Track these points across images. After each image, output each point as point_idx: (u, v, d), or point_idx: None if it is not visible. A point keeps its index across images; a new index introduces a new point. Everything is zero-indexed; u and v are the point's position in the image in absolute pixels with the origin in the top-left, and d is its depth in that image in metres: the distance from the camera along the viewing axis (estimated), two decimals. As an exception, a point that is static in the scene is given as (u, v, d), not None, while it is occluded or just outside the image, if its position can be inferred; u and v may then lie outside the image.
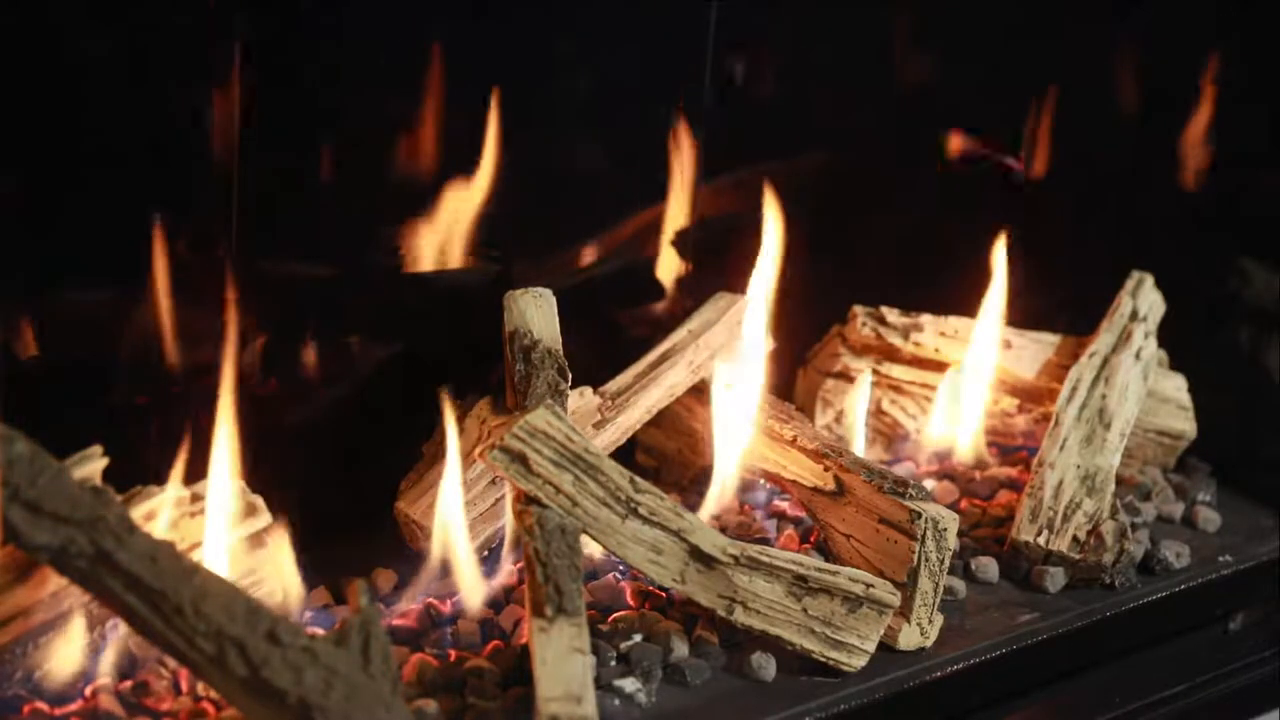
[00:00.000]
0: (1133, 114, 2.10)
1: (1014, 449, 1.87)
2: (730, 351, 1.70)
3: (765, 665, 1.48)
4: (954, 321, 1.84)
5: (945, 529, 1.52)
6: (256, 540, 1.45)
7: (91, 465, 1.34)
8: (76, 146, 1.44)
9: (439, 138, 1.63)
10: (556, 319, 1.60)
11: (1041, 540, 1.66)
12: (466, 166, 1.65)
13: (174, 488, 1.41)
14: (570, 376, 1.57)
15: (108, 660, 1.39)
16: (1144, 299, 1.86)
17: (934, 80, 1.97)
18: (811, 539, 1.65)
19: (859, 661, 1.49)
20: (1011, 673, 1.59)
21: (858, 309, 1.84)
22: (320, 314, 1.64)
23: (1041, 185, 2.01)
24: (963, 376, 1.82)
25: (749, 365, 1.66)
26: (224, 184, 1.51)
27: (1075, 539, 1.66)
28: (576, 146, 1.76)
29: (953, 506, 1.70)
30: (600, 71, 1.74)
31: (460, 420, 1.60)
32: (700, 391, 1.72)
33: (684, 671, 1.47)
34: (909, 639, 1.53)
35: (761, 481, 1.71)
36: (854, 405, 1.76)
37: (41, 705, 1.34)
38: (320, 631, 1.30)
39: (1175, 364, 1.89)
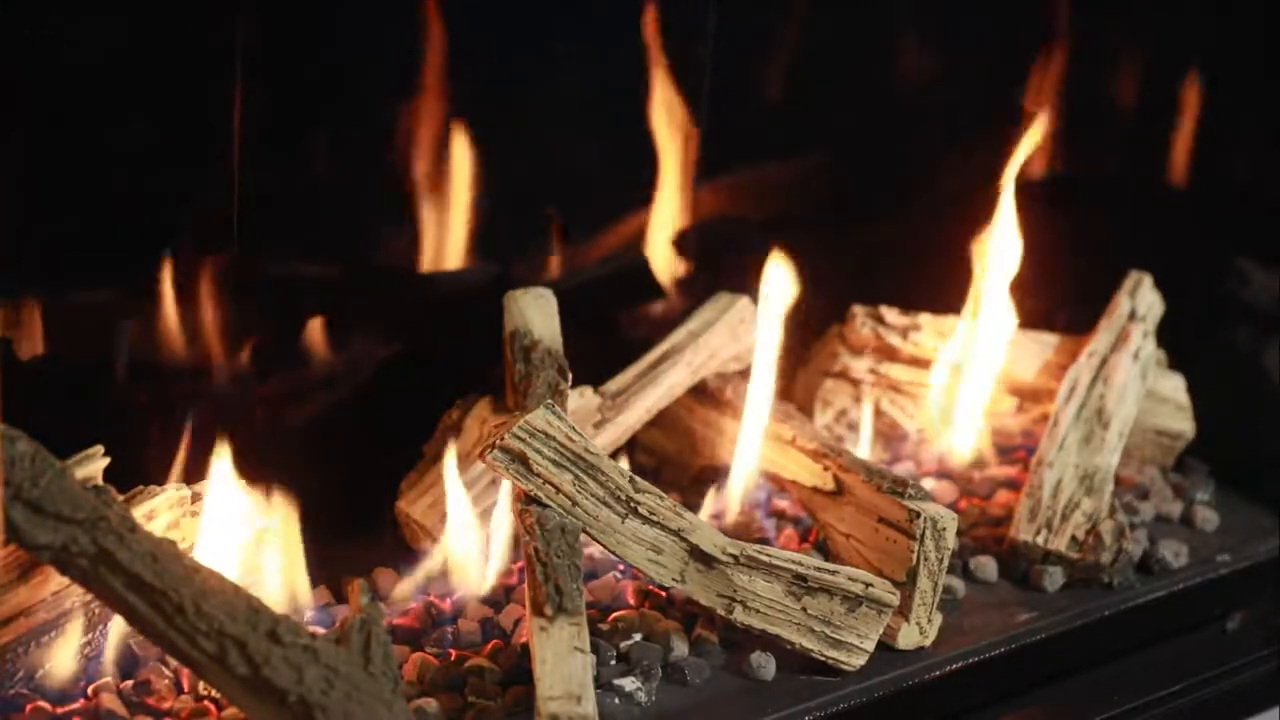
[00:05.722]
0: (1132, 113, 2.10)
1: (1013, 449, 1.88)
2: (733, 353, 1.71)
3: (765, 664, 1.49)
4: (953, 321, 1.84)
5: (944, 528, 1.52)
6: (258, 540, 1.45)
7: (93, 465, 1.34)
8: (77, 147, 1.45)
9: (439, 138, 1.64)
10: (557, 319, 1.61)
11: (1040, 540, 1.66)
12: (467, 166, 1.66)
13: (175, 487, 1.41)
14: (570, 376, 1.57)
15: (109, 659, 1.39)
16: (1142, 299, 1.86)
17: (934, 80, 1.97)
18: (811, 538, 1.65)
19: (858, 660, 1.49)
20: (1010, 672, 1.59)
21: (857, 309, 1.84)
22: (321, 314, 1.64)
23: (1040, 185, 2.02)
24: (966, 372, 1.82)
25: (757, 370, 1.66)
26: (226, 183, 1.51)
27: (1074, 538, 1.66)
28: (576, 146, 1.76)
29: (952, 506, 1.70)
30: (600, 71, 1.74)
31: (461, 421, 1.61)
32: (700, 392, 1.72)
33: (684, 670, 1.47)
34: (908, 638, 1.54)
35: (761, 481, 1.71)
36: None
37: (44, 704, 1.34)
38: (321, 631, 1.30)
39: (1174, 364, 1.90)
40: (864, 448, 1.78)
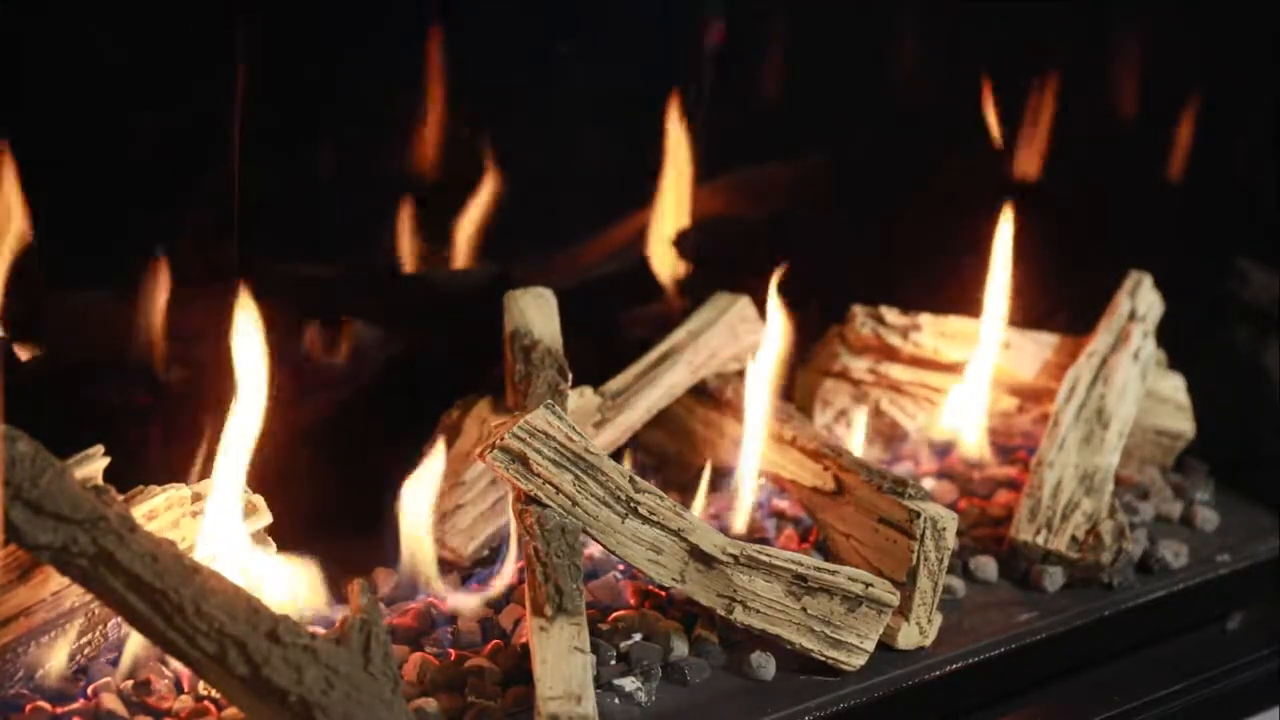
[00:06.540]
0: (1132, 112, 2.10)
1: (1013, 449, 1.88)
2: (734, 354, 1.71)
3: (765, 664, 1.49)
4: (953, 321, 1.84)
5: (944, 528, 1.52)
6: (258, 539, 1.45)
7: (93, 465, 1.35)
8: (78, 147, 1.45)
9: (439, 138, 1.64)
10: (557, 319, 1.61)
11: (1040, 540, 1.66)
12: (466, 167, 1.66)
13: (175, 487, 1.41)
14: (570, 376, 1.57)
15: (110, 659, 1.40)
16: (1142, 299, 1.86)
17: (932, 78, 1.97)
18: (811, 538, 1.65)
19: (858, 660, 1.49)
20: (1010, 672, 1.59)
21: (857, 309, 1.84)
22: (321, 314, 1.64)
23: (1040, 185, 2.02)
24: (967, 372, 1.83)
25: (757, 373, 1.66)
26: (226, 184, 1.51)
27: (1074, 538, 1.66)
28: (576, 146, 1.76)
29: (951, 506, 1.70)
30: (600, 71, 1.74)
31: (461, 421, 1.61)
32: (700, 392, 1.72)
33: (684, 670, 1.47)
34: (908, 638, 1.54)
35: (762, 481, 1.71)
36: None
37: (43, 704, 1.34)
38: (321, 631, 1.30)
39: (1174, 364, 1.90)
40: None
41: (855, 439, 1.78)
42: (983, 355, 1.83)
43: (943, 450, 1.86)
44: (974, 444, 1.85)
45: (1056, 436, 1.73)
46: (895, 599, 1.49)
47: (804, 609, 1.47)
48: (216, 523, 1.42)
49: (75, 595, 1.35)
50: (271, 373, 1.44)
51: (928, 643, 1.55)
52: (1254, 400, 2.05)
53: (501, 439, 1.41)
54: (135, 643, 1.39)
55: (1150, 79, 2.07)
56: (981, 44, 1.97)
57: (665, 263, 1.85)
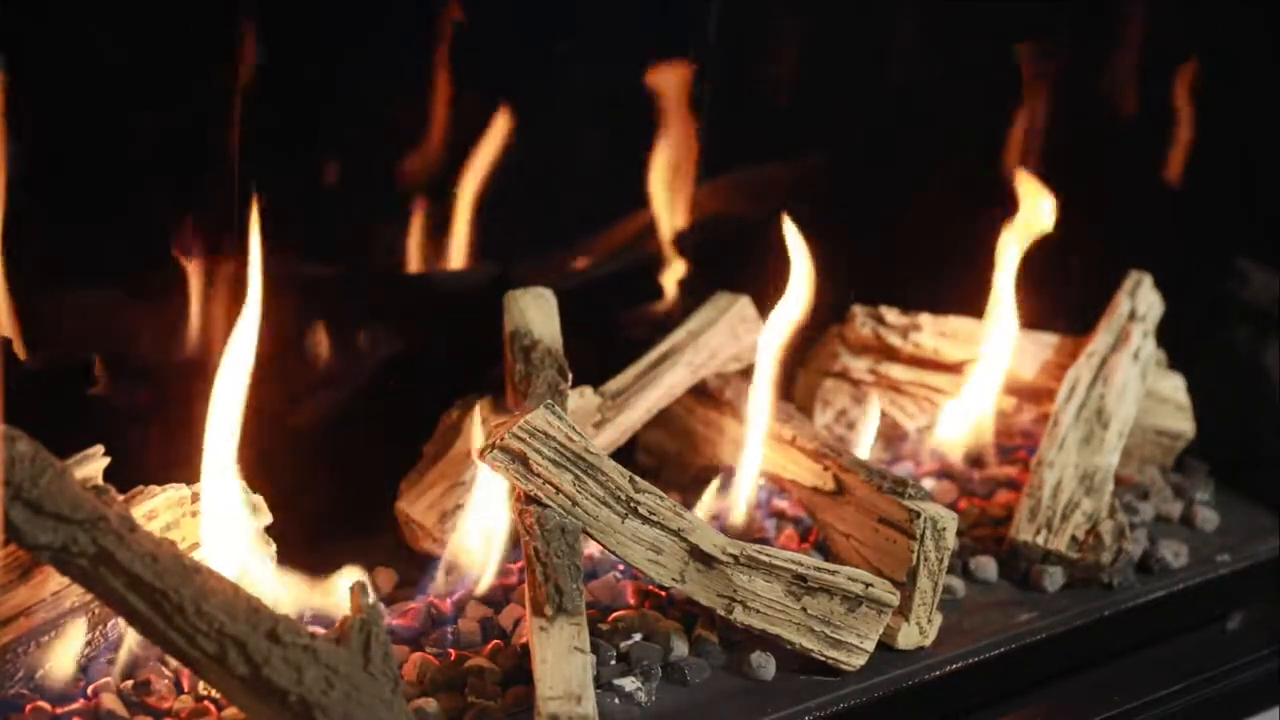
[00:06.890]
0: (1132, 112, 2.10)
1: (1013, 449, 1.88)
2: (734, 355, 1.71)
3: (765, 664, 1.49)
4: (953, 321, 1.84)
5: (944, 528, 1.52)
6: (259, 539, 1.45)
7: (93, 465, 1.35)
8: (79, 146, 1.45)
9: (440, 138, 1.64)
10: (557, 319, 1.61)
11: (1040, 540, 1.66)
12: (467, 166, 1.66)
13: (175, 487, 1.41)
14: (570, 376, 1.57)
15: (110, 659, 1.39)
16: (1142, 299, 1.86)
17: (930, 78, 1.97)
18: (811, 538, 1.65)
19: (858, 660, 1.49)
20: (1010, 672, 1.59)
21: (857, 309, 1.84)
22: (321, 314, 1.64)
23: (1040, 185, 2.02)
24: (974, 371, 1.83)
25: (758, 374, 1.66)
26: (227, 183, 1.51)
27: (1074, 538, 1.66)
28: (577, 146, 1.76)
29: (951, 506, 1.70)
30: (600, 70, 1.74)
31: (461, 421, 1.61)
32: (700, 392, 1.72)
33: (684, 670, 1.47)
34: (908, 638, 1.54)
35: (761, 481, 1.71)
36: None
37: (43, 704, 1.34)
38: (321, 631, 1.30)
39: (1174, 364, 1.90)
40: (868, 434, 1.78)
41: (864, 440, 1.78)
42: (988, 363, 1.82)
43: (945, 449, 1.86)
44: (976, 447, 1.85)
45: (1056, 436, 1.73)
46: (895, 599, 1.49)
47: (804, 609, 1.47)
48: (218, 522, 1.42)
49: (75, 595, 1.35)
50: (268, 371, 1.44)
51: (928, 643, 1.55)
52: (1254, 400, 2.05)
53: (501, 439, 1.41)
54: (131, 642, 1.39)
55: (1151, 77, 2.07)
56: (981, 43, 1.97)
57: (665, 263, 1.85)
